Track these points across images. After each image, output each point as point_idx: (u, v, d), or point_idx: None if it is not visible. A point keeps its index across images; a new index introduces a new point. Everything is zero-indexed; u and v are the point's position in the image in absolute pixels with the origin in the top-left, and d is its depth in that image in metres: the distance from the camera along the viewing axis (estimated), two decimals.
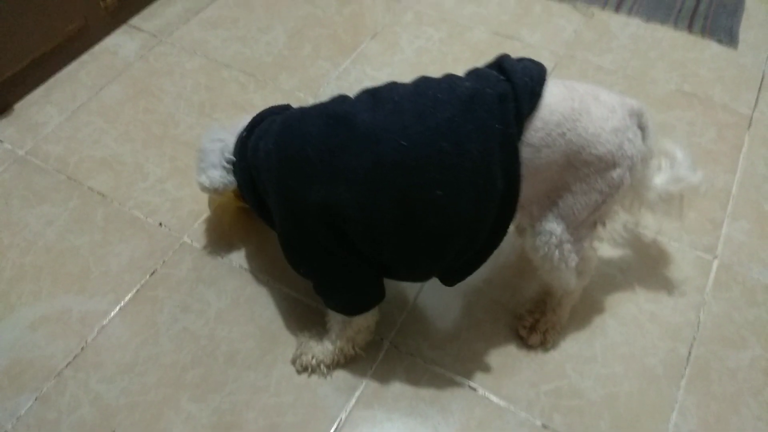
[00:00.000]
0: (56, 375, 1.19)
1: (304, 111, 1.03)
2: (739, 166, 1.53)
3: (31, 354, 1.22)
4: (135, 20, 1.93)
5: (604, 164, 0.94)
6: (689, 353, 1.21)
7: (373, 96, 0.97)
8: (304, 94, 1.69)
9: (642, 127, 0.98)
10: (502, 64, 0.96)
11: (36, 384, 1.18)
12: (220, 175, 1.15)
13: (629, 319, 1.25)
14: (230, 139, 1.16)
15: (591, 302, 1.27)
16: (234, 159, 1.14)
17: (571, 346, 1.22)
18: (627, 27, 1.89)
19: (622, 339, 1.23)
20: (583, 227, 1.01)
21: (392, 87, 0.98)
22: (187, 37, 1.87)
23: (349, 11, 1.95)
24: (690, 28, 1.88)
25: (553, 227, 1.00)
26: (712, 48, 1.83)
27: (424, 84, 0.96)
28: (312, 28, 1.90)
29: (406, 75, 1.72)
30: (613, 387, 1.17)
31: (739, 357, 1.21)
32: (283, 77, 1.74)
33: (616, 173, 0.95)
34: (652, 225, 1.39)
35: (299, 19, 1.92)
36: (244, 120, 1.15)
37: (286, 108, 1.15)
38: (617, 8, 1.94)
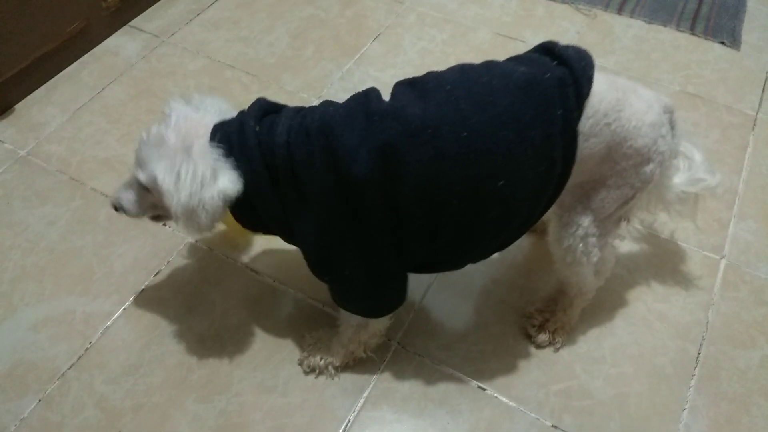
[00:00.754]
0: (60, 376, 1.17)
1: (338, 110, 0.91)
2: (744, 166, 1.52)
3: (34, 355, 1.20)
4: (137, 21, 1.92)
5: (640, 158, 0.93)
6: (699, 353, 1.20)
7: (414, 87, 0.91)
8: (307, 95, 1.68)
9: (672, 125, 0.98)
10: (552, 49, 0.92)
11: (39, 386, 1.16)
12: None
13: (638, 319, 1.25)
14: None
15: (600, 302, 1.26)
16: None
17: (580, 347, 1.21)
18: (630, 29, 1.89)
19: (631, 339, 1.22)
20: (609, 221, 1.01)
21: (436, 76, 0.92)
22: (189, 38, 1.86)
23: (351, 13, 1.94)
24: (693, 29, 1.89)
25: (581, 219, 0.99)
26: (715, 49, 1.83)
27: (471, 72, 0.91)
28: (315, 29, 1.89)
29: (409, 76, 1.72)
30: (622, 387, 1.16)
31: (748, 356, 1.20)
32: (286, 78, 1.74)
33: (649, 168, 0.94)
34: (659, 226, 1.39)
35: (302, 20, 1.92)
36: (201, 138, 0.94)
37: (271, 105, 0.99)
38: (619, 10, 1.95)
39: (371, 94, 0.92)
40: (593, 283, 1.10)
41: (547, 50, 0.93)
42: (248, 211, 0.96)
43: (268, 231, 1.03)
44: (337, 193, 0.89)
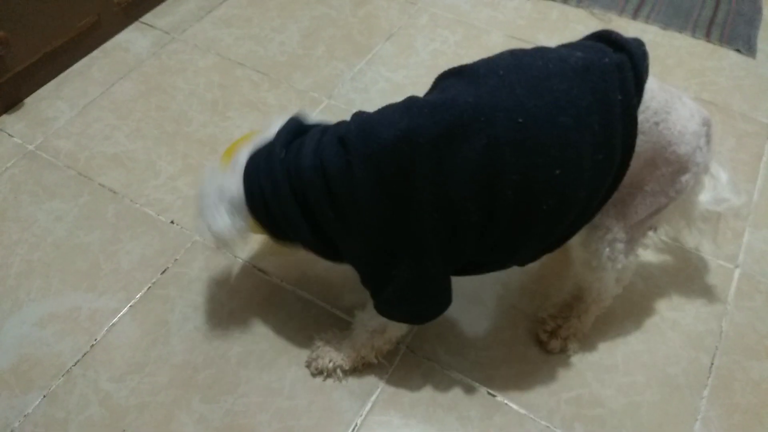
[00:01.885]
0: (65, 373, 1.16)
1: (377, 112, 0.90)
2: (759, 175, 1.51)
3: (39, 351, 1.19)
4: (147, 17, 1.91)
5: (680, 166, 0.91)
6: (712, 363, 1.19)
7: (463, 75, 0.87)
8: (318, 94, 1.67)
9: (708, 138, 0.96)
10: (609, 36, 0.89)
11: (44, 382, 1.15)
12: (222, 216, 0.98)
13: (651, 327, 1.23)
14: (226, 178, 0.98)
15: (612, 310, 1.24)
16: (235, 195, 0.97)
17: (592, 354, 1.19)
18: (644, 34, 1.88)
19: (643, 347, 1.20)
20: (639, 229, 0.98)
21: (487, 62, 0.88)
22: (200, 35, 1.85)
23: (363, 12, 1.93)
24: (708, 36, 1.87)
25: (612, 223, 0.96)
26: (730, 57, 1.82)
27: (526, 56, 0.87)
28: (326, 28, 1.88)
29: (422, 77, 1.71)
30: (634, 396, 1.14)
31: (762, 368, 1.18)
32: (296, 77, 1.72)
33: (685, 177, 0.92)
34: (675, 235, 1.37)
35: (313, 19, 1.91)
36: (242, 155, 0.99)
37: (301, 126, 1.00)
38: (634, 15, 1.93)
39: (413, 96, 0.90)
40: (613, 290, 1.08)
41: (604, 38, 0.90)
42: (281, 235, 1.01)
43: (318, 248, 1.00)
44: (383, 194, 0.87)
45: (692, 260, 1.34)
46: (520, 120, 0.81)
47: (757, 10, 1.96)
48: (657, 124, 0.88)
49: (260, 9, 1.94)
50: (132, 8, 1.87)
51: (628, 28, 1.90)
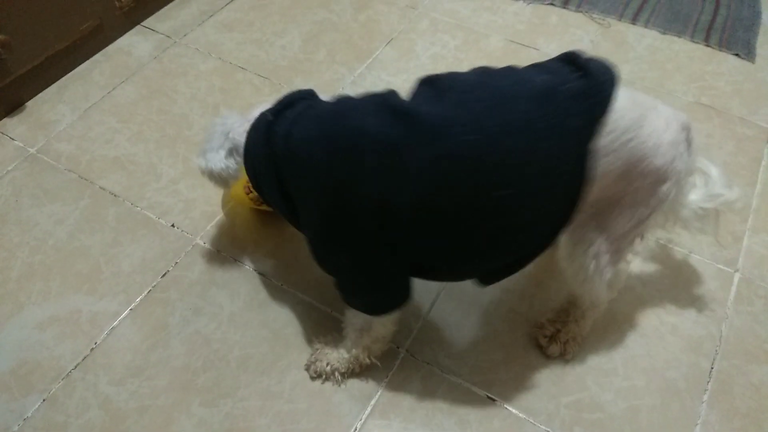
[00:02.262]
0: (64, 376, 1.16)
1: (355, 100, 0.94)
2: (758, 179, 1.51)
3: (39, 354, 1.19)
4: (149, 21, 1.92)
5: (657, 177, 0.91)
6: (712, 367, 1.19)
7: (434, 86, 0.90)
8: None
9: (688, 142, 0.96)
10: (576, 59, 0.90)
11: (44, 385, 1.15)
12: (218, 158, 1.07)
13: (650, 332, 1.23)
14: (238, 123, 1.08)
15: (612, 314, 1.25)
16: (240, 141, 1.05)
17: (592, 358, 1.19)
18: (644, 38, 1.88)
19: (643, 351, 1.20)
20: (624, 240, 0.98)
21: (456, 77, 0.91)
22: (201, 39, 1.86)
23: (364, 17, 1.94)
24: (707, 41, 1.87)
25: (594, 236, 0.96)
26: (729, 61, 1.82)
27: (491, 75, 0.90)
28: (327, 33, 1.89)
29: None
30: (634, 400, 1.14)
31: (762, 372, 1.18)
32: (298, 81, 1.73)
33: (665, 187, 0.92)
34: (674, 238, 1.37)
35: (315, 23, 1.91)
36: (260, 107, 1.06)
37: (311, 93, 1.06)
38: (634, 19, 1.94)
39: (389, 91, 0.93)
40: (606, 296, 1.08)
41: (571, 60, 0.90)
42: (259, 190, 1.06)
43: (284, 212, 1.05)
44: (326, 182, 0.90)
45: (692, 264, 1.34)
46: (473, 137, 0.83)
47: (757, 15, 1.97)
48: (628, 141, 0.88)
49: (262, 13, 1.95)
50: (134, 12, 1.87)
51: (627, 32, 1.90)
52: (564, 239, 1.02)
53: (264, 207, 1.33)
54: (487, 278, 1.03)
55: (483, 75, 0.90)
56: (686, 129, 0.95)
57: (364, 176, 0.87)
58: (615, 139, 0.87)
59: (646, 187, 0.92)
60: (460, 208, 0.86)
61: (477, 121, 0.83)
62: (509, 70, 0.91)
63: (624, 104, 0.88)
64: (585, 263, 0.99)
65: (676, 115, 0.94)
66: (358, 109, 0.92)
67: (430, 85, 0.91)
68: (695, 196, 1.08)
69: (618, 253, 1.00)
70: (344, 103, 0.96)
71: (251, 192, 1.34)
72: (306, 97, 1.04)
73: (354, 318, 1.08)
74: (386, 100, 0.90)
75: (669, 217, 1.05)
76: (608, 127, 0.86)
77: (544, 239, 0.95)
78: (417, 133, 0.84)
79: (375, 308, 1.04)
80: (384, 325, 1.08)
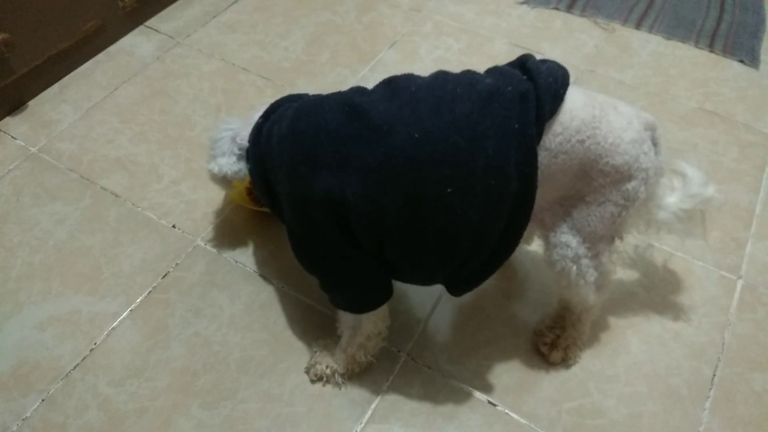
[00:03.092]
0: (64, 377, 1.15)
1: (321, 98, 0.99)
2: (762, 185, 1.50)
3: (38, 354, 1.18)
4: (152, 21, 1.91)
5: (620, 176, 0.92)
6: (714, 374, 1.18)
7: (390, 86, 0.93)
8: None
9: (654, 142, 0.96)
10: (525, 63, 0.93)
11: (43, 385, 1.14)
12: (229, 163, 1.12)
13: (653, 338, 1.22)
14: (242, 127, 1.11)
15: (614, 320, 1.24)
16: (247, 146, 1.09)
17: (594, 364, 1.19)
18: (648, 44, 1.88)
19: (645, 358, 1.20)
20: (601, 242, 0.98)
21: (409, 78, 0.94)
22: (204, 40, 1.85)
23: (368, 19, 1.94)
24: (711, 47, 1.87)
25: (569, 239, 0.97)
26: (733, 67, 1.82)
27: (442, 77, 0.93)
28: (331, 35, 1.88)
29: None
30: (636, 407, 1.13)
31: (765, 379, 1.17)
32: (300, 83, 1.73)
33: (631, 185, 0.92)
34: (676, 244, 1.36)
35: (318, 25, 1.91)
36: (261, 109, 1.10)
37: (301, 96, 1.10)
38: (638, 25, 1.93)
39: (356, 88, 0.97)
40: (596, 299, 1.07)
41: (521, 63, 0.93)
42: (257, 189, 1.09)
43: (276, 211, 1.07)
44: (293, 181, 0.94)
45: (695, 271, 1.33)
46: (416, 135, 0.85)
47: (761, 21, 1.96)
48: (581, 141, 0.89)
49: (265, 15, 1.95)
50: (137, 12, 1.87)
51: (631, 37, 1.90)
52: (543, 244, 1.02)
53: (264, 209, 1.33)
54: (456, 285, 1.03)
55: (437, 78, 0.93)
56: (651, 128, 0.95)
57: (319, 171, 0.90)
58: (566, 140, 0.89)
59: (609, 185, 0.92)
60: (407, 205, 0.88)
61: (420, 120, 0.86)
62: (464, 74, 0.93)
63: (576, 105, 0.90)
64: (566, 267, 0.99)
65: (639, 114, 0.95)
66: (322, 105, 0.95)
67: (387, 84, 0.94)
68: (673, 198, 1.08)
69: (597, 255, 1.00)
70: (314, 100, 1.00)
71: (253, 193, 1.34)
72: (295, 99, 1.08)
73: (344, 316, 1.09)
74: (348, 97, 0.93)
75: (647, 220, 1.05)
76: (558, 128, 0.89)
77: (504, 244, 0.94)
78: (367, 130, 0.88)
79: (356, 305, 1.05)
80: (373, 322, 1.08)
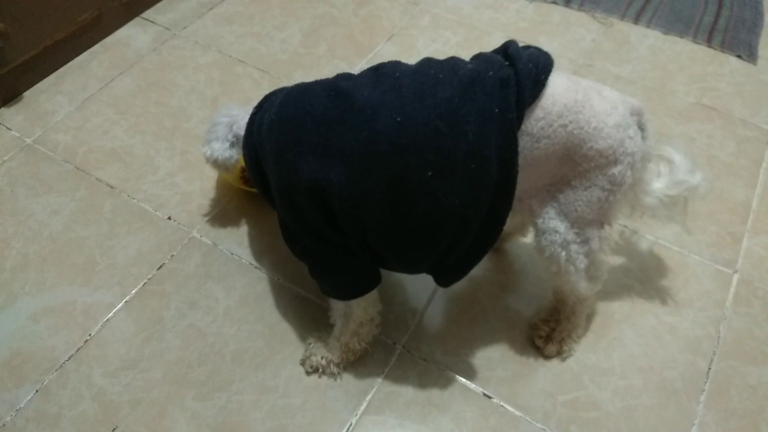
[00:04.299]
0: (58, 368, 1.15)
1: (308, 84, 1.00)
2: (759, 180, 1.50)
3: (32, 345, 1.18)
4: (149, 13, 1.90)
5: (605, 160, 0.92)
6: (709, 368, 1.18)
7: (376, 72, 0.94)
8: None
9: (641, 127, 0.96)
10: (507, 49, 0.93)
11: (37, 376, 1.14)
12: (221, 148, 1.15)
13: (648, 331, 1.22)
14: (242, 116, 1.13)
15: (609, 313, 1.24)
16: (242, 134, 1.11)
17: (589, 357, 1.19)
18: (646, 38, 1.88)
19: (640, 351, 1.20)
20: (590, 227, 0.98)
21: (395, 64, 0.95)
22: (201, 32, 1.85)
23: (365, 12, 1.93)
24: (709, 42, 1.87)
25: (557, 225, 0.97)
26: (731, 62, 1.81)
27: (426, 64, 0.94)
28: (328, 27, 1.88)
29: None
30: (631, 400, 1.14)
31: (760, 373, 1.18)
32: (297, 75, 1.72)
33: (617, 170, 0.92)
34: (672, 237, 1.36)
35: (315, 18, 1.90)
36: (257, 102, 1.12)
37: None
38: (636, 19, 1.93)
39: (342, 74, 0.98)
40: (588, 289, 1.07)
41: (504, 50, 0.94)
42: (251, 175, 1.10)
43: (267, 198, 1.08)
44: (280, 169, 0.95)
45: (691, 265, 1.33)
46: (399, 119, 0.87)
47: (759, 17, 1.96)
48: (564, 126, 0.89)
49: (262, 7, 1.94)
50: (133, 4, 1.86)
51: (629, 32, 1.89)
52: (533, 231, 1.02)
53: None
54: (442, 275, 1.03)
55: (422, 64, 0.94)
56: (638, 113, 0.95)
57: (305, 156, 0.91)
58: (548, 124, 0.89)
59: (594, 170, 0.92)
60: (389, 189, 0.89)
61: (403, 105, 0.87)
62: (448, 60, 0.94)
63: (558, 90, 0.90)
64: (555, 252, 0.99)
65: (625, 100, 0.95)
66: (309, 91, 0.96)
67: (374, 71, 0.95)
68: (660, 184, 1.08)
69: (587, 241, 0.99)
70: (301, 86, 1.00)
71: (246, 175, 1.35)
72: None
73: (336, 304, 1.09)
74: (334, 83, 0.95)
75: (633, 205, 1.05)
76: (539, 113, 0.89)
77: (487, 230, 0.94)
78: (351, 114, 0.89)
79: (344, 292, 1.05)
80: (363, 308, 1.08)
